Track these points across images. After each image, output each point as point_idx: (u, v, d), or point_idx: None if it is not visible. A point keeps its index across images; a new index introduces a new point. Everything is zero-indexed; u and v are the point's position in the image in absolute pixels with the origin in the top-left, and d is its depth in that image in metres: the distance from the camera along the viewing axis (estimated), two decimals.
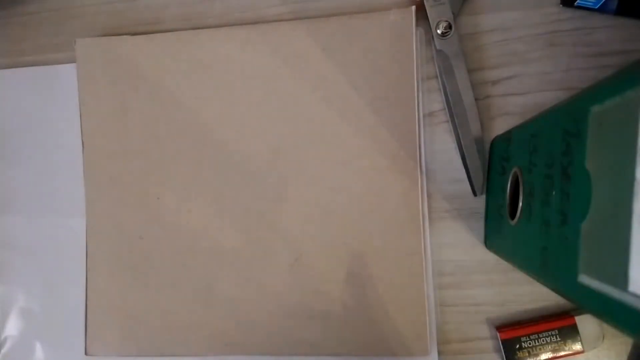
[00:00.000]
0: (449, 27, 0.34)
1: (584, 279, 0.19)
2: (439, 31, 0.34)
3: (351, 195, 0.35)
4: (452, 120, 0.35)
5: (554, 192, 0.22)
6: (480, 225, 0.35)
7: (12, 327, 0.40)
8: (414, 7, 0.35)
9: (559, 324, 0.33)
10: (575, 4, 0.33)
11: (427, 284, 0.35)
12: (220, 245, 0.37)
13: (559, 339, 0.33)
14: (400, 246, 0.35)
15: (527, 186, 0.26)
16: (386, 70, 0.35)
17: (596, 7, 0.33)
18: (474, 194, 0.35)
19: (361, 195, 0.35)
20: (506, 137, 0.31)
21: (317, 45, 0.36)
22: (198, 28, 0.38)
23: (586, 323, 0.33)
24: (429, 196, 0.35)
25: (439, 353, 0.35)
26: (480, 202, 0.35)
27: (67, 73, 0.39)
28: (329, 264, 0.35)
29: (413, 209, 0.35)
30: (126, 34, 0.38)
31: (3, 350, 0.40)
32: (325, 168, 0.36)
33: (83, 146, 0.38)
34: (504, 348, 0.34)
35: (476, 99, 0.34)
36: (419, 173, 0.35)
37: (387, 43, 0.35)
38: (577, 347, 0.33)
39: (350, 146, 0.35)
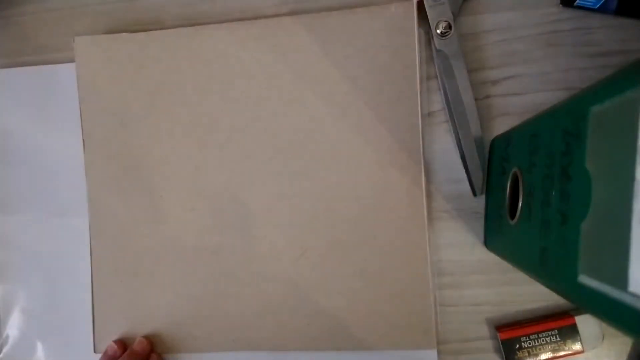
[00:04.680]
0: (449, 27, 0.34)
1: (584, 279, 0.19)
2: (438, 31, 0.34)
3: (355, 190, 0.35)
4: (452, 120, 0.35)
5: (553, 192, 0.22)
6: (480, 225, 0.35)
7: (14, 326, 0.40)
8: (415, 0, 0.35)
9: (559, 324, 0.33)
10: (575, 4, 0.33)
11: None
12: (225, 242, 0.37)
13: (558, 339, 0.33)
14: (404, 241, 0.35)
15: (527, 186, 0.26)
16: (388, 65, 0.35)
17: (596, 7, 0.33)
18: (474, 194, 0.35)
19: (365, 190, 0.35)
20: (506, 137, 0.31)
21: (317, 40, 0.36)
22: (198, 26, 0.37)
23: (586, 323, 0.33)
24: (428, 196, 0.35)
25: (439, 353, 0.35)
26: (480, 202, 0.35)
27: (67, 73, 0.39)
28: (334, 259, 0.36)
29: (416, 204, 0.35)
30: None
31: (4, 350, 0.40)
32: (328, 163, 0.36)
33: (84, 145, 0.38)
34: (504, 348, 0.34)
35: (476, 99, 0.34)
36: (422, 168, 0.35)
37: (389, 37, 0.35)
38: (577, 347, 0.33)
39: (352, 141, 0.35)
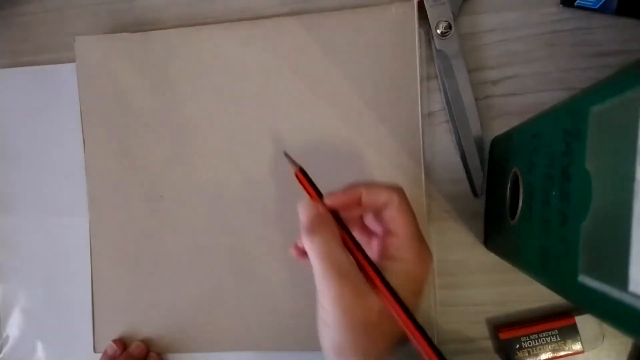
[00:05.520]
0: (449, 27, 0.34)
1: (584, 279, 0.19)
2: (438, 31, 0.34)
3: None
4: (452, 120, 0.35)
5: (554, 192, 0.22)
6: (480, 225, 0.35)
7: (14, 326, 0.40)
8: (416, 0, 0.35)
9: (559, 324, 0.33)
10: (575, 4, 0.33)
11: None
12: (224, 243, 0.37)
13: (559, 339, 0.33)
14: None
15: (527, 186, 0.26)
16: (388, 65, 0.35)
17: (596, 7, 0.33)
18: (474, 194, 0.35)
19: None
20: (506, 137, 0.31)
21: (318, 41, 0.36)
22: (198, 25, 0.37)
23: (586, 323, 0.33)
24: (428, 196, 0.35)
25: None
26: (480, 202, 0.35)
27: (67, 72, 0.39)
28: None
29: (416, 204, 0.35)
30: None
31: (4, 350, 0.40)
32: (329, 164, 0.36)
33: (84, 145, 0.38)
34: (504, 348, 0.34)
35: (476, 99, 0.34)
36: (422, 168, 0.35)
37: (389, 37, 0.35)
38: (577, 347, 0.33)
39: (352, 141, 0.35)
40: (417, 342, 0.24)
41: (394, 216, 0.26)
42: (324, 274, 0.24)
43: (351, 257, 0.25)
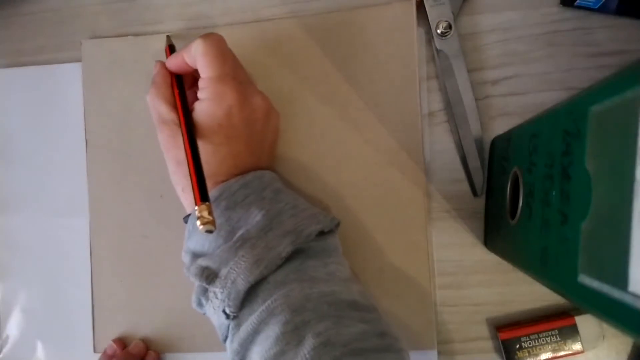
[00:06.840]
0: (449, 27, 0.34)
1: (584, 279, 0.19)
2: (438, 31, 0.34)
3: (355, 190, 0.35)
4: (452, 120, 0.35)
5: (554, 192, 0.22)
6: (480, 225, 0.35)
7: (14, 326, 0.40)
8: (415, 0, 0.35)
9: (559, 324, 0.33)
10: (575, 4, 0.33)
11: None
12: None
13: (559, 339, 0.33)
14: (404, 241, 0.35)
15: (527, 186, 0.26)
16: (388, 65, 0.35)
17: (596, 7, 0.33)
18: (474, 194, 0.35)
19: (365, 190, 0.35)
20: (506, 137, 0.31)
21: (317, 42, 0.36)
22: (198, 28, 0.38)
23: (586, 323, 0.33)
24: (428, 196, 0.35)
25: (439, 353, 0.35)
26: (480, 202, 0.35)
27: (67, 72, 0.39)
28: None
29: (416, 204, 0.35)
30: (126, 34, 0.38)
31: (4, 350, 0.40)
32: (328, 164, 0.36)
33: (87, 145, 0.38)
34: (504, 348, 0.34)
35: (476, 99, 0.34)
36: (422, 168, 0.35)
37: (389, 37, 0.35)
38: (577, 347, 0.33)
39: (352, 141, 0.35)
40: (190, 172, 0.27)
41: (197, 61, 0.29)
42: (154, 121, 0.31)
43: (176, 108, 0.30)
